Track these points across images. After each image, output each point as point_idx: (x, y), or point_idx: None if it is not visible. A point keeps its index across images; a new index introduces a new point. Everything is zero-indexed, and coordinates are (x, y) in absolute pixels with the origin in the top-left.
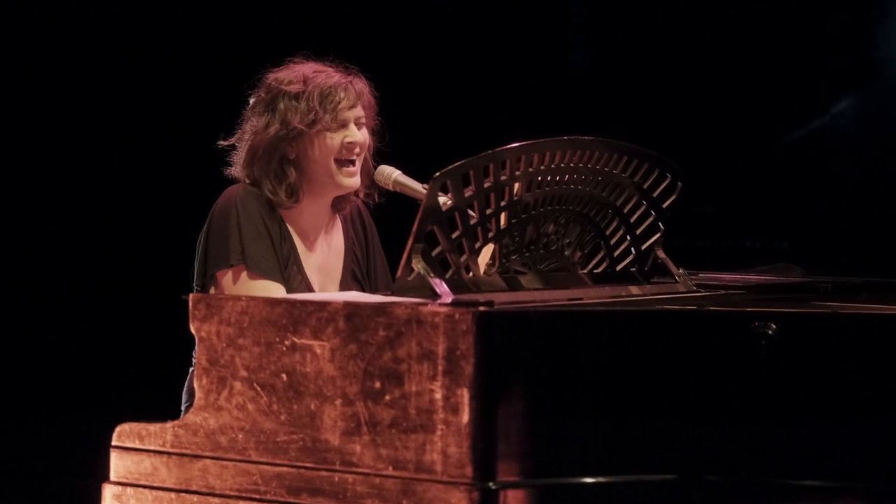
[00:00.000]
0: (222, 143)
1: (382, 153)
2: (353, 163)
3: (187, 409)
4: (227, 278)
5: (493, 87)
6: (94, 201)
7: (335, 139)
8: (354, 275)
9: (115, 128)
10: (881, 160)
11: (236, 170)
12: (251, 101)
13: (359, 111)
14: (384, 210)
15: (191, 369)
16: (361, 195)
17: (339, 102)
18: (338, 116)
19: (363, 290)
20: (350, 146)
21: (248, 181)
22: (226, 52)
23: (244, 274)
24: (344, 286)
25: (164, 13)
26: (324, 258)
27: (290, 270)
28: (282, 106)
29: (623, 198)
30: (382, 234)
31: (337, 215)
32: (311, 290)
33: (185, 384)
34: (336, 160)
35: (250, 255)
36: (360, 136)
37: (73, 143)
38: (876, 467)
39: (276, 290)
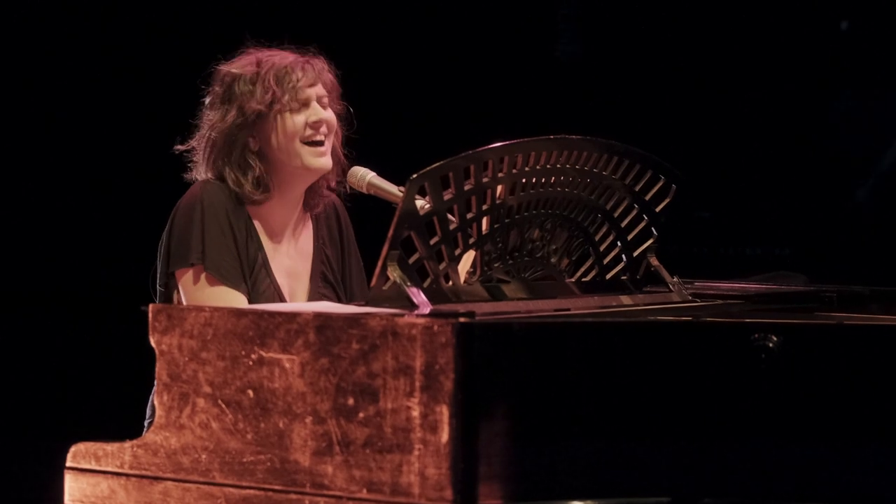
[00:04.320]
0: (179, 147)
1: (353, 147)
2: (321, 143)
3: (149, 426)
4: (186, 279)
5: (474, 82)
6: (37, 205)
7: (298, 120)
8: (325, 277)
9: (50, 129)
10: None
11: (198, 172)
12: (206, 99)
13: (320, 89)
14: (358, 213)
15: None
16: (332, 183)
17: (298, 81)
18: (297, 95)
19: (336, 292)
20: (316, 124)
21: (213, 178)
22: (177, 50)
23: (203, 276)
24: (313, 290)
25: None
26: (291, 260)
27: (257, 273)
28: (237, 92)
29: (614, 201)
30: (356, 239)
31: (307, 214)
32: (280, 293)
33: (149, 399)
34: (302, 142)
35: (211, 256)
36: (325, 113)
37: (12, 145)
38: (886, 490)
39: (235, 298)
